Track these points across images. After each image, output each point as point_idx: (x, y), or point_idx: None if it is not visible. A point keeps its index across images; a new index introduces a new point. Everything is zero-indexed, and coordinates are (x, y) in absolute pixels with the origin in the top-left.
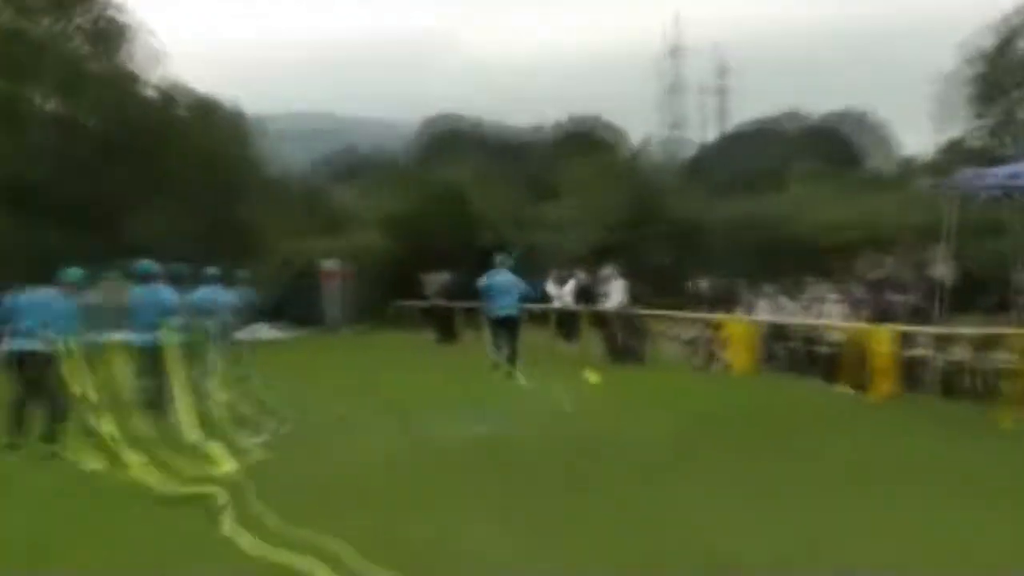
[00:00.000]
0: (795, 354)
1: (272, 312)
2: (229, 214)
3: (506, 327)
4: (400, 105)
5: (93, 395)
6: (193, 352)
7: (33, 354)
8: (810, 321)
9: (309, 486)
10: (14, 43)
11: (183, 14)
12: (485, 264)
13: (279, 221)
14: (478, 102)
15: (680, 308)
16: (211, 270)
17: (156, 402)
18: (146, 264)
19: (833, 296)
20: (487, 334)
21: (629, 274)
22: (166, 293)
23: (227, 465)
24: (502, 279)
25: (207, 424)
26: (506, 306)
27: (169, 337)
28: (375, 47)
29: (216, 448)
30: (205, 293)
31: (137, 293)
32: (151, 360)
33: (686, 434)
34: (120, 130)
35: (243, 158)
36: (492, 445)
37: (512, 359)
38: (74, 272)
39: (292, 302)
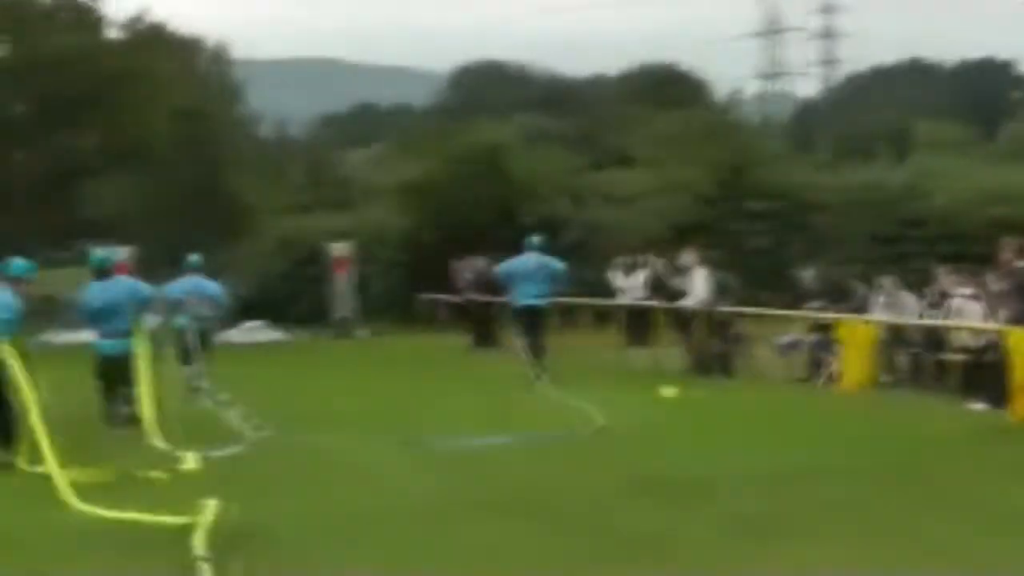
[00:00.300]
0: (920, 363)
1: (268, 308)
2: (212, 183)
3: (530, 320)
4: (425, 50)
5: (38, 402)
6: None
7: None
8: (939, 322)
9: (305, 536)
10: None
11: None
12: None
13: (276, 193)
14: (522, 46)
15: (780, 304)
16: (192, 257)
17: (122, 412)
18: (99, 256)
19: (967, 291)
20: (514, 332)
21: (717, 261)
22: (131, 287)
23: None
24: (527, 262)
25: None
26: (529, 294)
27: (140, 343)
28: None
29: (189, 458)
30: (184, 285)
31: (96, 290)
32: (117, 369)
33: (791, 472)
34: (76, 81)
35: (230, 114)
36: (538, 485)
37: (537, 359)
38: (19, 264)
39: (293, 295)
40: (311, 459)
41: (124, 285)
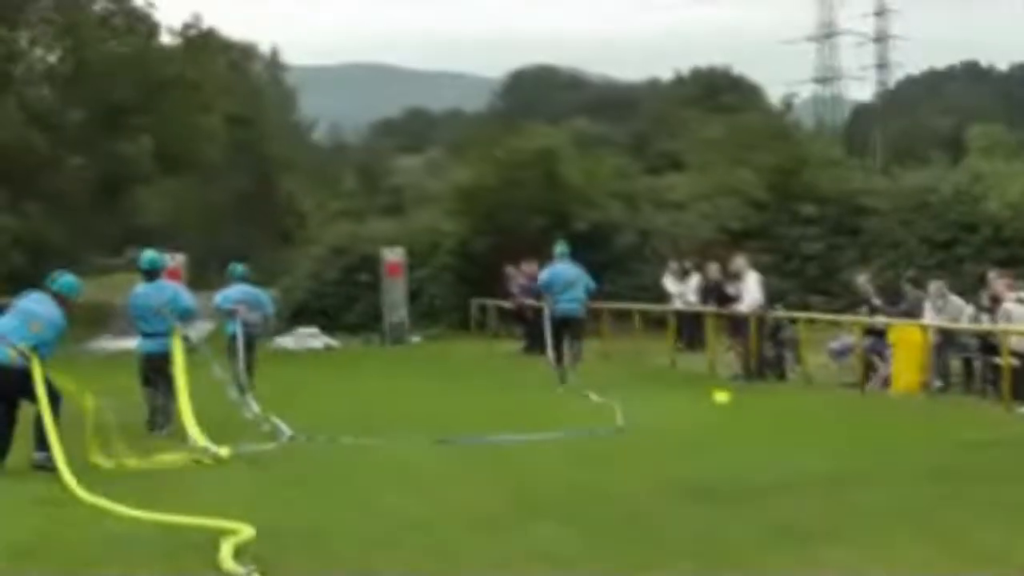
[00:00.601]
0: (971, 368)
1: (321, 314)
2: (265, 190)
3: (570, 327)
4: (478, 55)
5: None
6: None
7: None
8: (990, 327)
9: (352, 543)
10: None
11: None
12: (585, 252)
13: (329, 199)
14: (575, 52)
15: (832, 309)
16: (238, 266)
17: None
18: (149, 256)
19: (1019, 295)
20: (547, 338)
21: (771, 266)
22: (172, 293)
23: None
24: (566, 270)
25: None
26: (571, 301)
27: (176, 345)
28: None
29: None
30: (232, 293)
31: (141, 290)
32: (156, 370)
33: (838, 476)
34: (129, 87)
35: (284, 120)
36: (586, 489)
37: (566, 365)
38: (67, 282)
39: (346, 301)
40: (355, 462)
41: (166, 289)
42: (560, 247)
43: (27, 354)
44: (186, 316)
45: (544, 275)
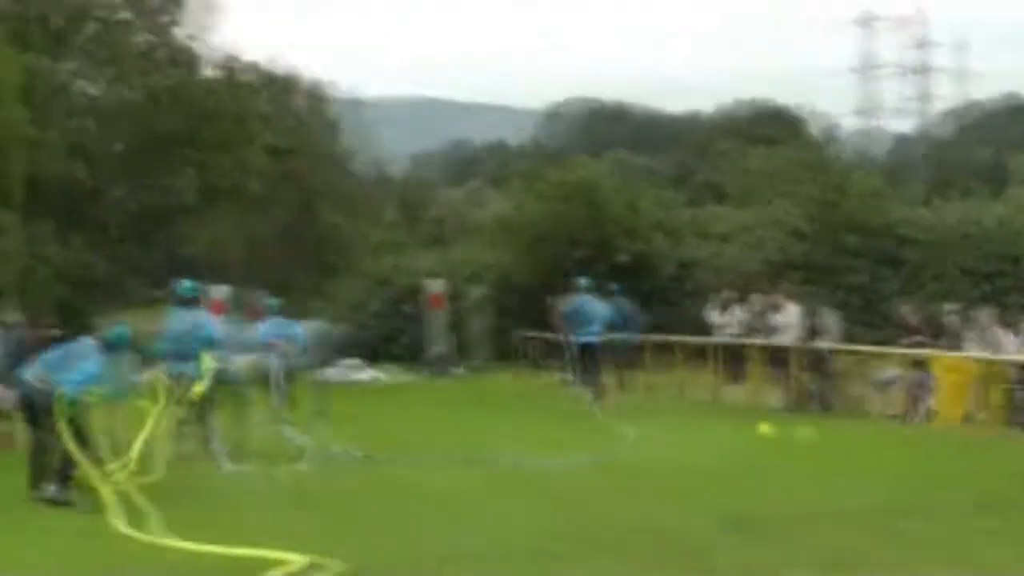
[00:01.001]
0: (1014, 400)
1: (364, 346)
2: (309, 222)
3: (591, 354)
4: (520, 87)
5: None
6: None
7: (33, 396)
8: None
9: None
10: (45, 7)
11: None
12: (627, 283)
13: (372, 231)
14: (616, 84)
15: (876, 340)
16: (271, 301)
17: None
18: (187, 285)
19: None
20: (568, 361)
21: (815, 297)
22: (200, 322)
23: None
24: (587, 303)
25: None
26: (590, 333)
27: (205, 371)
28: (485, 17)
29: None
30: (269, 327)
31: (175, 316)
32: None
33: (883, 507)
34: (171, 119)
35: (327, 152)
36: (635, 522)
37: (596, 389)
38: (120, 333)
39: (389, 333)
40: (401, 494)
41: (196, 317)
42: (583, 281)
43: (50, 386)
44: (209, 345)
45: (567, 307)
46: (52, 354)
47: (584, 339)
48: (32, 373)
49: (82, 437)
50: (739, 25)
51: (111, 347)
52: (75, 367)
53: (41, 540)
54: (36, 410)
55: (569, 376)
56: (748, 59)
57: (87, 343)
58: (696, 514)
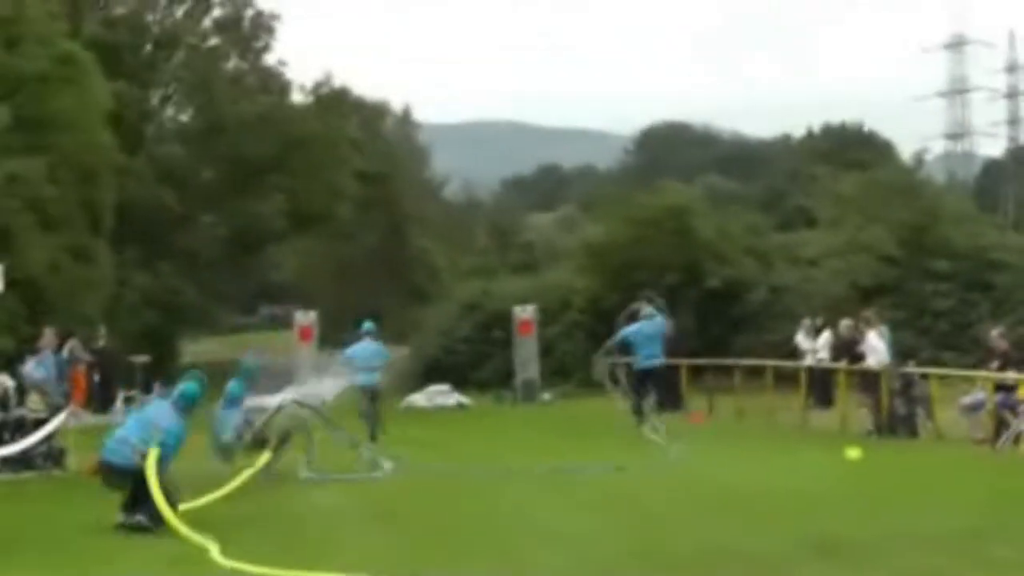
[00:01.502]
0: None
1: (452, 371)
2: (398, 247)
3: (651, 380)
4: (609, 112)
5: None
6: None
7: (112, 466)
8: None
9: None
10: (135, 34)
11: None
12: (717, 308)
13: (461, 256)
14: (706, 109)
15: (964, 365)
16: (366, 324)
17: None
18: (249, 365)
19: None
20: (629, 390)
21: (903, 322)
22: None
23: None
24: (647, 327)
25: None
26: (650, 357)
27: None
28: (575, 42)
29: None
30: (358, 349)
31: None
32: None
33: (966, 532)
34: (261, 145)
35: (416, 177)
36: (722, 545)
37: (649, 414)
38: (191, 391)
39: (478, 359)
40: (479, 508)
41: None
42: (647, 309)
43: (144, 454)
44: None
45: (628, 333)
46: (129, 423)
47: (643, 363)
48: (111, 446)
49: (171, 496)
50: (824, 46)
51: (185, 406)
52: (153, 432)
53: (136, 568)
54: (118, 477)
55: (659, 404)
56: (835, 82)
57: (163, 406)
58: (778, 537)
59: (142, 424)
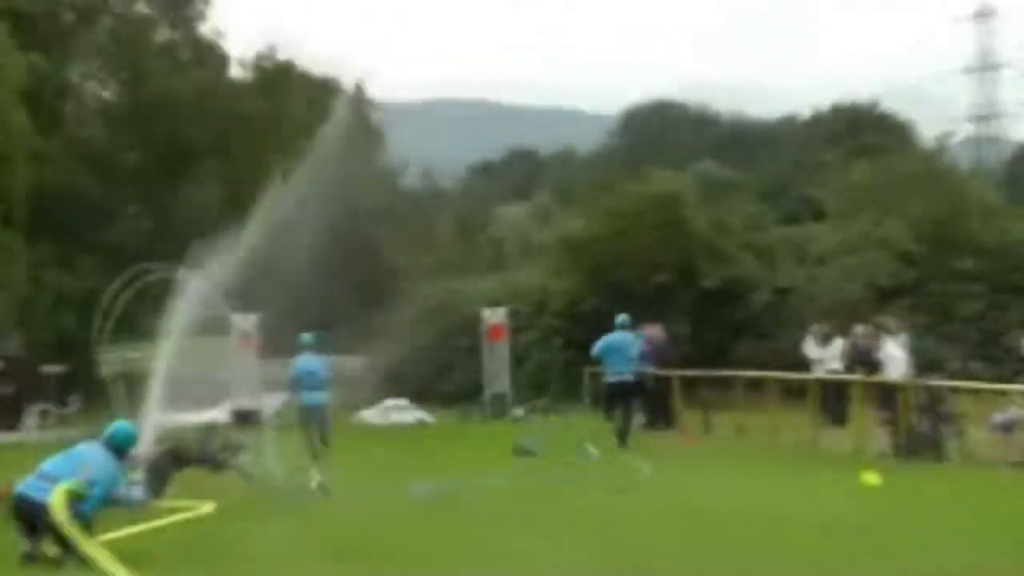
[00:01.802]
0: None
1: (413, 382)
2: (349, 241)
3: (623, 394)
4: (590, 90)
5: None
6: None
7: (30, 502)
8: None
9: None
10: (52, 1)
11: None
12: (715, 312)
13: (423, 252)
14: (698, 86)
15: (997, 377)
16: (305, 336)
17: None
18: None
19: None
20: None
21: (926, 328)
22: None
23: None
24: (617, 339)
25: None
26: (620, 372)
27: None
28: (574, 42)
29: None
30: (300, 362)
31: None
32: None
33: (1000, 568)
34: (195, 126)
35: (371, 163)
36: None
37: (622, 433)
38: (123, 433)
39: (442, 369)
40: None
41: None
42: (620, 318)
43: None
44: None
45: (598, 345)
46: (51, 462)
47: (612, 377)
48: (29, 485)
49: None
50: (825, 45)
51: (118, 449)
52: (82, 476)
53: None
54: (38, 524)
55: (651, 419)
56: (846, 58)
57: (92, 448)
58: (782, 573)
59: (71, 462)
